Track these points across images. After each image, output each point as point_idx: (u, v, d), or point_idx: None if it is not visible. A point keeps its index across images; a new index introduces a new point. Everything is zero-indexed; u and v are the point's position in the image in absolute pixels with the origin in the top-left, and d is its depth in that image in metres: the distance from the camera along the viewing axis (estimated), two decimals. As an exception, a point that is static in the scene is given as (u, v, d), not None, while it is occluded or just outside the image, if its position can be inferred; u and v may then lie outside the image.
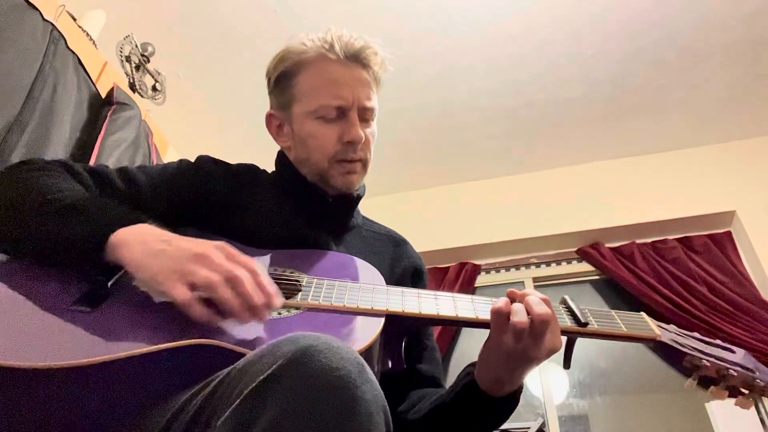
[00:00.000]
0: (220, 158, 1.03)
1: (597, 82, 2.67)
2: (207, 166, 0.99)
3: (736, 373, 0.80)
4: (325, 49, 0.96)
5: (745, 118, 2.86)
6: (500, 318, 0.74)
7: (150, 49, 2.18)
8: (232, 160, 1.05)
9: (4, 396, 0.60)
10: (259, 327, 0.70)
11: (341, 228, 1.03)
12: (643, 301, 2.63)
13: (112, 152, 1.76)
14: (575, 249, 3.00)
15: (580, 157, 3.13)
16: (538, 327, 0.72)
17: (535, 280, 3.03)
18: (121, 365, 0.61)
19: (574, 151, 3.10)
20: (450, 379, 0.89)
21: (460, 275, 3.01)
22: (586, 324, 0.79)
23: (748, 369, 0.82)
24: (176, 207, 0.91)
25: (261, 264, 0.70)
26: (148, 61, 2.19)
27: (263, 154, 1.09)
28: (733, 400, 2.47)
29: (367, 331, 0.72)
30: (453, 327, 2.80)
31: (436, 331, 2.73)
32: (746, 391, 0.82)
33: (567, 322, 0.79)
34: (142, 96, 2.13)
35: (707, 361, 0.81)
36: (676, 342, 0.82)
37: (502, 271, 3.10)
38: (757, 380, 0.81)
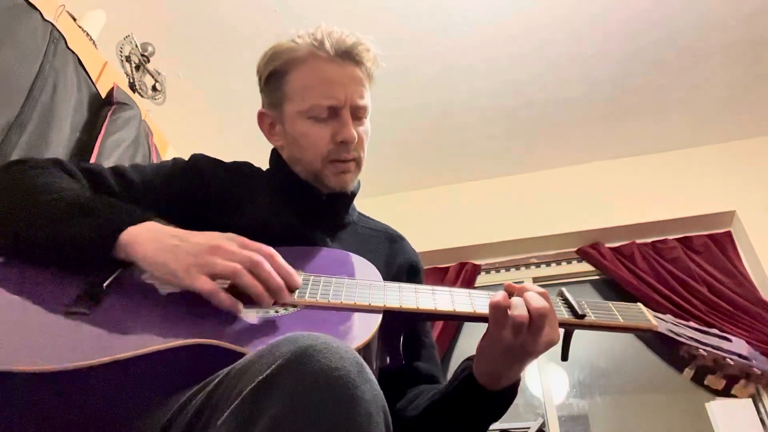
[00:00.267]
0: (221, 158, 1.03)
1: (597, 82, 2.67)
2: (201, 164, 0.98)
3: (732, 362, 0.80)
4: (315, 47, 0.95)
5: (745, 118, 2.86)
6: (499, 312, 0.73)
7: (150, 49, 2.18)
8: (233, 159, 1.05)
9: (4, 400, 0.60)
10: (257, 326, 0.70)
11: (336, 225, 1.03)
12: (643, 301, 2.63)
13: (112, 152, 1.76)
14: (575, 249, 3.00)
15: (580, 157, 3.13)
16: (536, 320, 0.72)
17: (535, 280, 3.03)
18: (120, 366, 0.61)
19: (574, 151, 3.10)
20: (449, 378, 0.89)
21: (460, 275, 3.01)
22: (583, 316, 0.79)
23: (744, 357, 0.82)
24: (170, 206, 0.90)
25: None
26: (148, 61, 2.19)
27: (263, 154, 1.09)
28: (733, 401, 2.46)
29: (365, 328, 0.72)
30: (453, 326, 2.80)
31: (436, 330, 2.73)
32: (743, 380, 0.82)
33: (565, 314, 0.79)
34: (142, 96, 2.13)
35: (704, 350, 0.81)
36: (672, 332, 0.82)
37: (502, 271, 3.10)
38: (754, 368, 0.80)
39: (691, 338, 0.83)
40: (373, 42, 0.98)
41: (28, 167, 0.84)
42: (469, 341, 2.86)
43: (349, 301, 0.75)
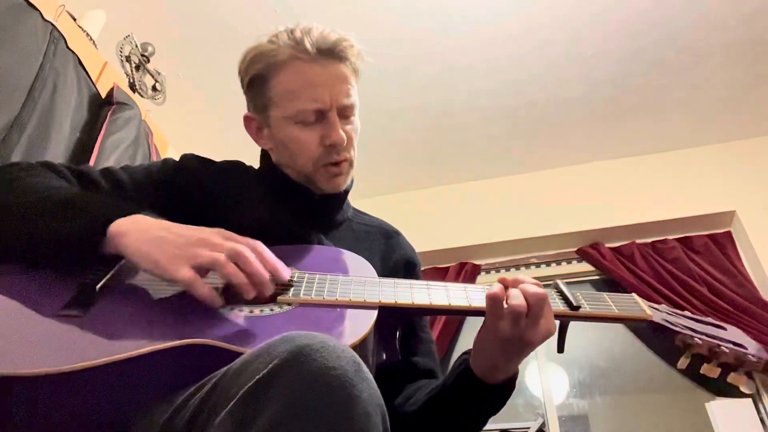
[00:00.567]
0: (222, 158, 1.03)
1: (597, 82, 2.67)
2: (191, 164, 0.98)
3: (727, 350, 0.80)
4: (295, 48, 0.92)
5: (745, 118, 2.86)
6: (496, 303, 0.74)
7: (150, 49, 2.18)
8: (233, 159, 1.05)
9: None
10: (252, 324, 0.70)
11: (331, 223, 1.02)
12: (643, 300, 2.63)
13: (112, 152, 1.76)
14: (575, 249, 2.99)
15: (580, 157, 3.13)
16: (535, 308, 0.72)
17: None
18: (115, 368, 0.61)
19: (574, 151, 3.10)
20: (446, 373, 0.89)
21: (460, 275, 3.01)
22: (578, 307, 0.79)
23: (739, 345, 0.82)
24: (161, 207, 0.90)
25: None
26: (148, 61, 2.19)
27: (263, 155, 1.09)
28: (733, 401, 2.46)
29: (360, 324, 0.72)
30: (453, 324, 2.80)
31: (436, 329, 2.73)
32: (738, 368, 0.81)
33: (560, 306, 0.80)
34: (142, 96, 2.13)
35: (699, 339, 0.81)
36: (667, 321, 0.82)
37: (502, 271, 3.10)
38: (749, 356, 0.80)
39: (686, 327, 0.83)
40: (356, 38, 0.96)
41: (16, 169, 0.84)
42: (470, 339, 2.85)
43: (343, 298, 0.75)
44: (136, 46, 2.13)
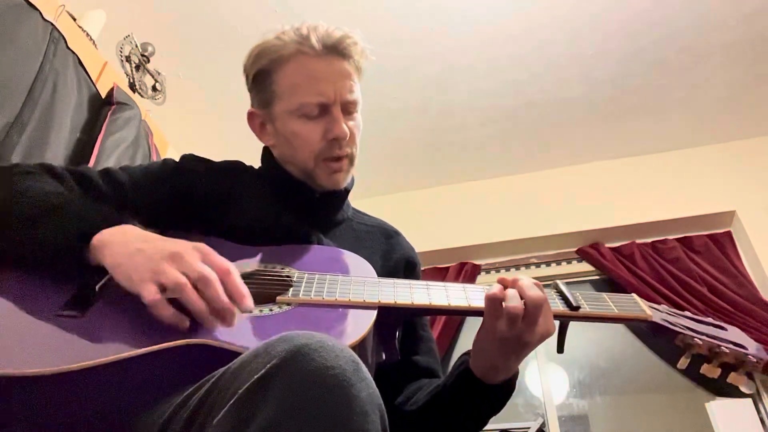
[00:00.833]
0: (222, 158, 1.03)
1: (597, 82, 2.67)
2: (190, 164, 0.98)
3: (727, 350, 0.80)
4: (301, 44, 0.94)
5: (745, 118, 2.86)
6: (494, 304, 0.74)
7: (150, 49, 2.18)
8: (233, 159, 1.05)
9: None
10: (251, 325, 0.70)
11: (331, 222, 1.02)
12: (643, 300, 2.63)
13: (112, 152, 1.76)
14: (575, 249, 2.99)
15: (580, 157, 3.13)
16: (531, 310, 0.72)
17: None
18: (114, 369, 0.61)
19: (574, 151, 3.10)
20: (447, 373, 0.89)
21: (460, 275, 3.01)
22: (578, 308, 0.79)
23: (739, 345, 0.82)
24: (161, 207, 0.90)
25: (236, 267, 0.69)
26: (148, 61, 2.19)
27: (263, 154, 1.09)
28: (733, 401, 2.46)
29: (360, 324, 0.72)
30: (454, 325, 2.80)
31: (436, 329, 2.73)
32: (739, 368, 0.81)
33: (559, 306, 0.80)
34: (142, 96, 2.13)
35: (699, 339, 0.81)
36: (667, 321, 0.82)
37: (502, 271, 3.10)
38: (749, 356, 0.80)
39: (686, 327, 0.83)
40: (360, 36, 0.97)
41: (13, 172, 0.84)
42: (470, 339, 2.84)
43: (343, 298, 0.75)
44: (136, 46, 2.13)
